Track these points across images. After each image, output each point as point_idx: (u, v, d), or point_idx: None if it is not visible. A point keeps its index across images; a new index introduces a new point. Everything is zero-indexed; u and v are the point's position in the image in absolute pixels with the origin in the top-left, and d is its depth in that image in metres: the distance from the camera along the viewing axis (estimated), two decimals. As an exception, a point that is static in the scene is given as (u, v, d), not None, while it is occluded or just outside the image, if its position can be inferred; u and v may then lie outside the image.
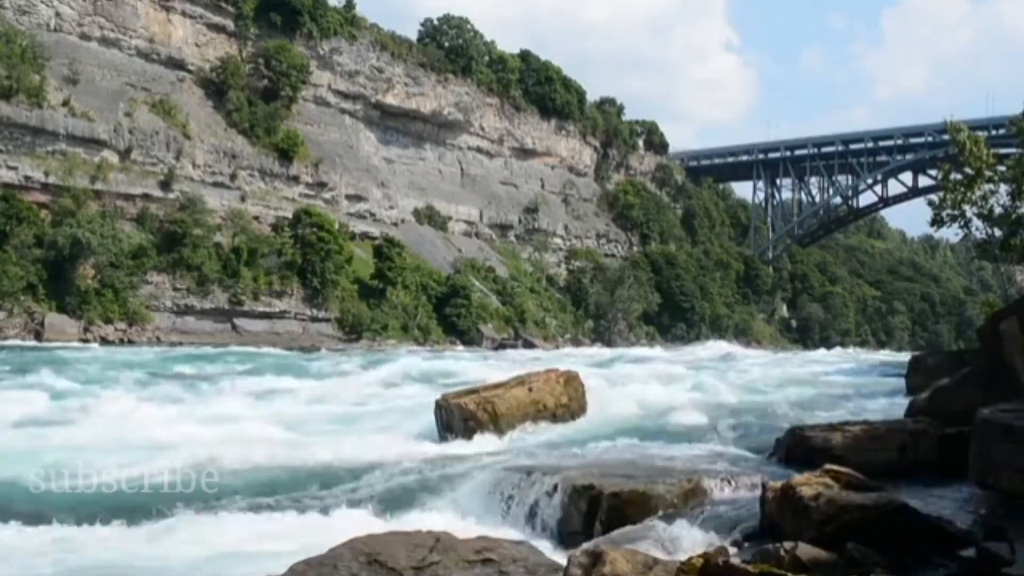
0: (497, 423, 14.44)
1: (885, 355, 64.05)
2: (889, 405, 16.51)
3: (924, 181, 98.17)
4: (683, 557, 6.99)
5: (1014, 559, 6.39)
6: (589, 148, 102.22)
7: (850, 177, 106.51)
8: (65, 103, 55.50)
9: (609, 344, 74.74)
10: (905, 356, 32.92)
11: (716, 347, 61.34)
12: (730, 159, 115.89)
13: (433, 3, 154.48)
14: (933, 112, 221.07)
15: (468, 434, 14.32)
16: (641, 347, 68.34)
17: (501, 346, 68.17)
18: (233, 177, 64.57)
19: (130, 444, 13.40)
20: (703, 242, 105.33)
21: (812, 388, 23.61)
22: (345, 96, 77.26)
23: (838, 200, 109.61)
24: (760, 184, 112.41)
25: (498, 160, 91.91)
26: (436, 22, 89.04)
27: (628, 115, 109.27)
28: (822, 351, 74.19)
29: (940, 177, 31.43)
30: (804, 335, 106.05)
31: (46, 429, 14.73)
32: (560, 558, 7.75)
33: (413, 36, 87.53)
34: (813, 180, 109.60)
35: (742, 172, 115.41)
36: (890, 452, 10.49)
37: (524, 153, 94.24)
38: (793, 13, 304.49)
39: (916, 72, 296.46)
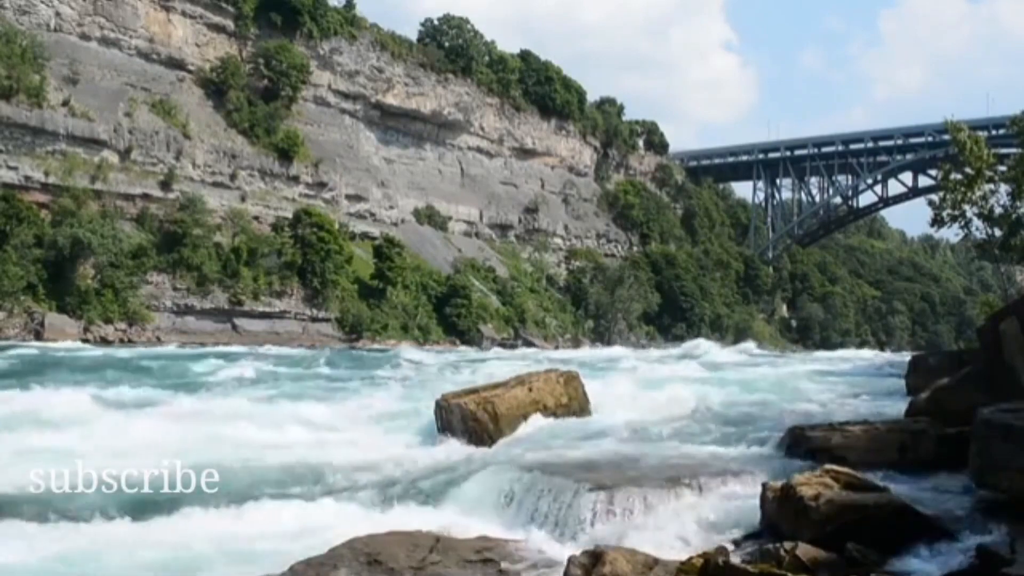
0: (497, 423, 14.43)
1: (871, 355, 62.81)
2: (889, 405, 16.49)
3: (924, 181, 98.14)
4: (683, 557, 7.01)
5: (1014, 559, 6.39)
6: (589, 148, 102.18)
7: (850, 177, 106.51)
8: (65, 103, 55.49)
9: (609, 344, 74.68)
10: (906, 356, 32.84)
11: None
12: (730, 159, 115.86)
13: (433, 3, 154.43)
14: (931, 112, 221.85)
15: (468, 434, 14.32)
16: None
17: (501, 346, 68.18)
18: (233, 177, 64.56)
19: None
20: (703, 242, 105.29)
21: (812, 388, 23.58)
22: (345, 96, 77.25)
23: (838, 200, 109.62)
24: (760, 184, 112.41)
25: (498, 160, 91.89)
26: (436, 22, 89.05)
27: (628, 115, 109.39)
28: (822, 353, 73.59)
29: (940, 177, 31.42)
30: (804, 335, 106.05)
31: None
32: (560, 557, 7.76)
33: (413, 36, 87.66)
34: (813, 180, 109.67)
35: (742, 172, 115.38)
36: (890, 452, 10.50)
37: (524, 153, 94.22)
38: (791, 13, 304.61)
39: (914, 72, 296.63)
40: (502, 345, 68.68)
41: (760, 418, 15.50)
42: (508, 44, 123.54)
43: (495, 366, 29.81)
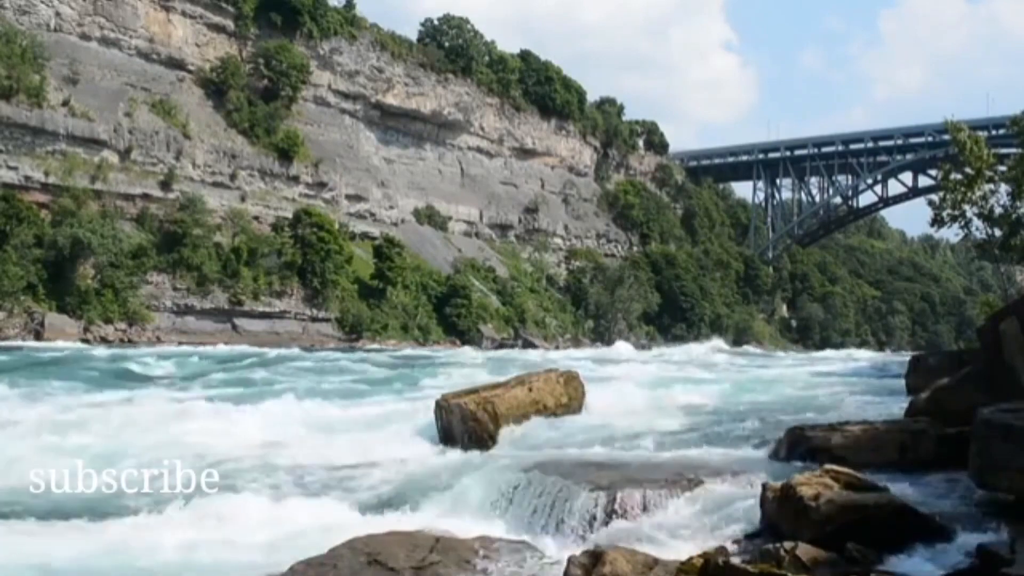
0: (497, 423, 14.43)
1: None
2: (889, 405, 16.49)
3: (924, 181, 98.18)
4: (683, 557, 7.00)
5: (1014, 559, 6.39)
6: (589, 148, 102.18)
7: (850, 177, 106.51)
8: (65, 103, 55.48)
9: (609, 344, 74.69)
10: (906, 355, 32.82)
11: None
12: (730, 159, 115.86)
13: (433, 3, 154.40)
14: (931, 112, 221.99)
15: (468, 434, 14.32)
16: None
17: (501, 346, 68.19)
18: (233, 177, 64.55)
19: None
20: (703, 242, 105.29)
21: (812, 388, 23.60)
22: (345, 96, 77.24)
23: (838, 200, 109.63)
24: (760, 184, 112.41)
25: (498, 160, 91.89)
26: (436, 22, 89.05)
27: (628, 115, 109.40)
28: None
29: (940, 177, 31.41)
30: (804, 335, 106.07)
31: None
32: (560, 557, 7.75)
33: (413, 36, 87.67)
34: (813, 180, 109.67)
35: (742, 172, 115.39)
36: (890, 452, 10.49)
37: (524, 153, 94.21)
38: (791, 13, 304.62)
39: (914, 72, 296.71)
40: (502, 345, 68.72)
41: (760, 418, 15.50)
42: (508, 44, 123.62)
43: (451, 375, 27.19)
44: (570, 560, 7.14)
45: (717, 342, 62.26)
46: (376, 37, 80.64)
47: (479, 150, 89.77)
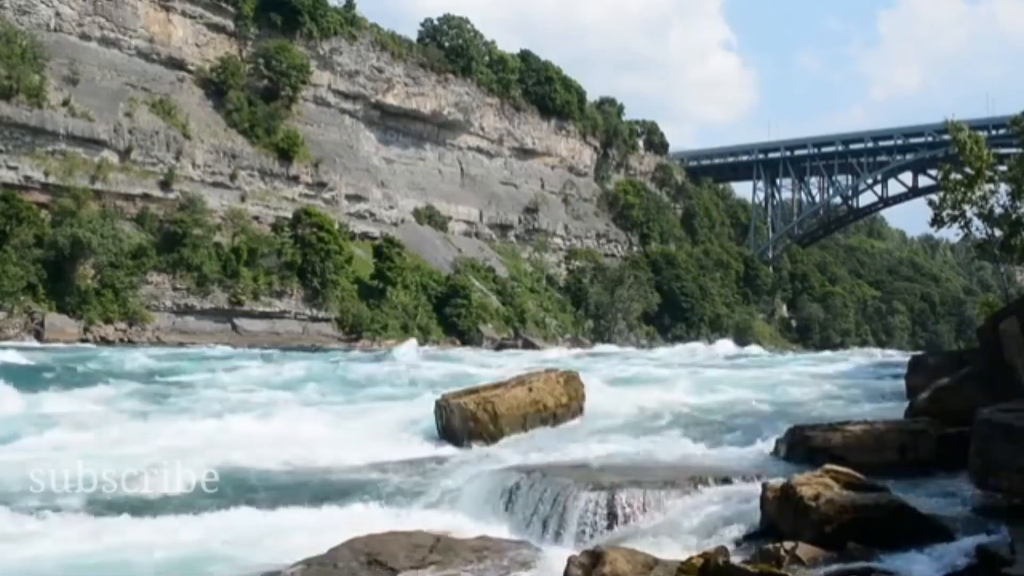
0: (497, 423, 14.44)
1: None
2: (889, 405, 16.49)
3: (924, 181, 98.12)
4: (683, 557, 7.00)
5: (1014, 559, 6.39)
6: (589, 148, 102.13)
7: (850, 177, 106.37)
8: (65, 103, 55.43)
9: (609, 344, 74.63)
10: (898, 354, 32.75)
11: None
12: (730, 159, 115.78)
13: (433, 3, 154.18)
14: (929, 112, 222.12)
15: (468, 434, 14.33)
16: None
17: (501, 346, 68.17)
18: (233, 177, 64.49)
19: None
20: (703, 242, 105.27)
21: (812, 388, 23.58)
22: (345, 96, 77.21)
23: (838, 200, 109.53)
24: (760, 184, 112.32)
25: (498, 160, 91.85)
26: (436, 22, 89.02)
27: (628, 115, 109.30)
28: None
29: (940, 177, 31.41)
30: (804, 335, 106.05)
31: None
32: (560, 557, 7.75)
33: (413, 36, 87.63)
34: (813, 180, 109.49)
35: (742, 172, 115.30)
36: (890, 452, 10.51)
37: (524, 153, 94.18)
38: (790, 14, 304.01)
39: (912, 72, 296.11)
40: (502, 345, 68.72)
41: (760, 418, 15.51)
42: (508, 44, 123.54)
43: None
44: (570, 560, 7.13)
45: (724, 342, 61.97)
46: (376, 37, 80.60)
47: (479, 150, 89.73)
